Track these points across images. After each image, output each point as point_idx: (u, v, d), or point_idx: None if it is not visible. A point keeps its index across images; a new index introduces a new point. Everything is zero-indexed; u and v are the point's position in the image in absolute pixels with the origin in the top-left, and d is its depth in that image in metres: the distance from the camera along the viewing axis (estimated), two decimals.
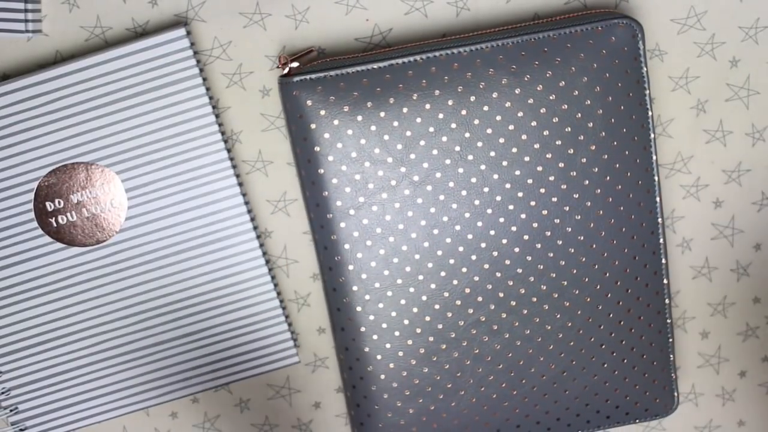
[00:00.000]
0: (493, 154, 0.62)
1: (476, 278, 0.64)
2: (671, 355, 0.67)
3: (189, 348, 0.67)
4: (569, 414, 0.67)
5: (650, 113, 0.63)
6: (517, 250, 0.63)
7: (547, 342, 0.65)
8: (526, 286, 0.64)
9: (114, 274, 0.65)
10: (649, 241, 0.65)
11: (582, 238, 0.64)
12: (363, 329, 0.64)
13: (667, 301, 0.66)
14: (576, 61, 0.62)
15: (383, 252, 0.63)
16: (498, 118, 0.62)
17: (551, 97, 0.62)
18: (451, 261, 0.63)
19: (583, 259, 0.64)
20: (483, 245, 0.63)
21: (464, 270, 0.63)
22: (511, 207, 0.63)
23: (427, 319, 0.64)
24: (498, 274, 0.64)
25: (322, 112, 0.61)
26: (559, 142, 0.62)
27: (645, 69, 0.63)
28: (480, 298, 0.64)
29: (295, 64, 0.62)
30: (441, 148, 0.62)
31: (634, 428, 0.72)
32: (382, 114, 0.61)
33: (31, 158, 0.64)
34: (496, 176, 0.62)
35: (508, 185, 0.63)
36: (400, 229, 0.63)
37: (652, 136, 0.64)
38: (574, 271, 0.64)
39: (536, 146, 0.62)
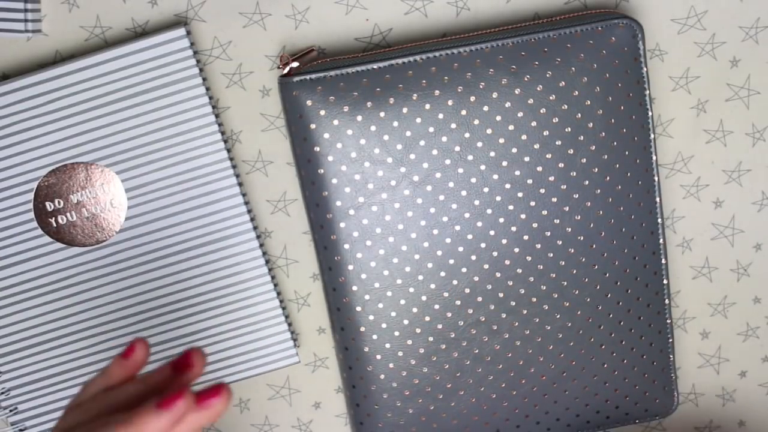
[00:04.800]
0: (492, 154, 0.62)
1: (476, 278, 0.64)
2: (671, 356, 0.67)
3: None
4: (569, 414, 0.67)
5: (650, 113, 0.63)
6: (516, 250, 0.63)
7: (547, 342, 0.65)
8: (525, 286, 0.64)
9: (114, 274, 0.65)
10: (649, 241, 0.65)
11: (582, 238, 0.64)
12: (363, 329, 0.64)
13: (667, 301, 0.66)
14: (576, 62, 0.61)
15: (383, 252, 0.63)
16: (498, 118, 0.62)
17: (551, 98, 0.62)
18: (451, 261, 0.63)
19: (583, 260, 0.64)
20: (483, 245, 0.63)
21: (464, 270, 0.63)
22: (510, 207, 0.63)
23: (427, 319, 0.64)
24: (498, 275, 0.64)
25: (322, 112, 0.61)
26: (559, 143, 0.62)
27: (645, 69, 0.62)
28: (480, 298, 0.64)
29: (295, 64, 0.62)
30: (441, 149, 0.62)
31: (634, 428, 0.72)
32: (382, 114, 0.61)
33: (31, 158, 0.64)
34: (495, 176, 0.62)
35: (508, 185, 0.63)
36: (400, 229, 0.63)
37: (652, 136, 0.64)
38: (574, 272, 0.64)
39: (536, 146, 0.62)
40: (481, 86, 0.61)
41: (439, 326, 0.64)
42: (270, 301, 0.66)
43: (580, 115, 0.62)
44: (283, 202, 0.67)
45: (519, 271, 0.64)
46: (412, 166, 0.62)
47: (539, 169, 0.62)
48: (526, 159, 0.62)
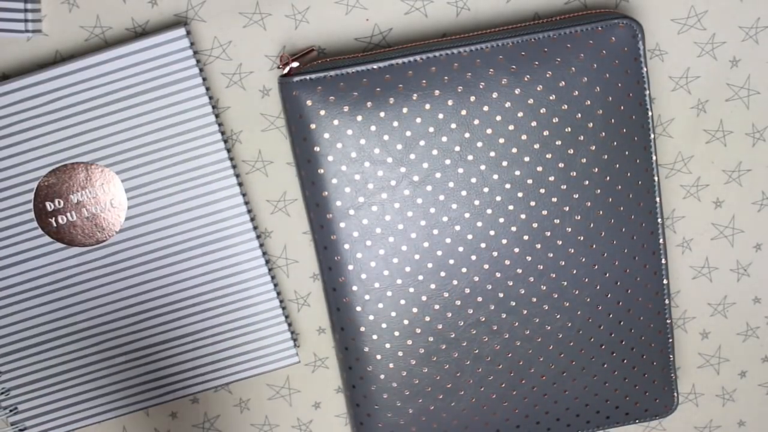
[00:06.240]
0: (493, 154, 0.62)
1: (476, 278, 0.64)
2: (671, 356, 0.67)
3: (189, 348, 0.67)
4: (569, 414, 0.67)
5: (650, 113, 0.63)
6: (516, 250, 0.63)
7: (547, 342, 0.65)
8: (525, 286, 0.64)
9: (114, 274, 0.65)
10: (649, 241, 0.65)
11: (582, 238, 0.64)
12: (363, 329, 0.64)
13: (667, 301, 0.66)
14: (576, 62, 0.61)
15: (383, 252, 0.63)
16: (498, 118, 0.62)
17: (551, 98, 0.62)
18: (451, 261, 0.63)
19: (583, 260, 0.64)
20: (483, 245, 0.63)
21: (464, 270, 0.63)
22: (510, 207, 0.63)
23: (427, 319, 0.64)
24: (498, 275, 0.64)
25: (322, 112, 0.61)
26: (559, 143, 0.62)
27: (645, 69, 0.62)
28: (480, 299, 0.64)
29: (295, 64, 0.62)
30: (441, 149, 0.62)
31: (634, 428, 0.72)
32: (382, 114, 0.61)
33: (31, 158, 0.64)
34: (496, 176, 0.62)
35: (508, 185, 0.63)
36: (400, 230, 0.63)
37: (652, 136, 0.64)
38: (574, 272, 0.64)
39: (536, 146, 0.62)
40: (481, 86, 0.61)
41: (439, 326, 0.64)
42: (270, 301, 0.66)
43: (580, 115, 0.62)
44: (283, 202, 0.67)
45: (519, 271, 0.64)
46: (412, 166, 0.62)
47: (539, 169, 0.62)
48: (526, 159, 0.62)
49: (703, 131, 0.67)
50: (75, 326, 0.66)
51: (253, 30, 0.65)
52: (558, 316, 0.65)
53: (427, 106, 0.61)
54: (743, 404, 0.72)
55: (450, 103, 0.61)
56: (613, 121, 0.63)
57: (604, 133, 0.63)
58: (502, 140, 0.62)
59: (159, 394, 0.67)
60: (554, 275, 0.64)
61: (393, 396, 0.65)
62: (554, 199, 0.63)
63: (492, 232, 0.63)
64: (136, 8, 0.64)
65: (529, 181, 0.63)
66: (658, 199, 0.65)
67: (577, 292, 0.64)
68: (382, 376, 0.65)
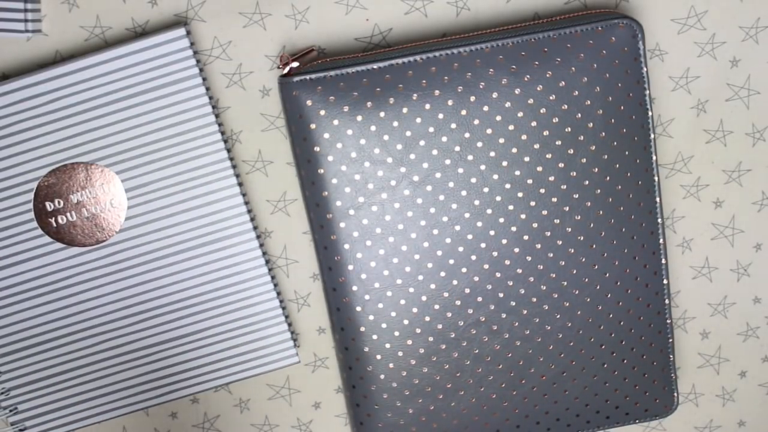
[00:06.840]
0: (493, 154, 0.62)
1: (476, 278, 0.64)
2: (671, 356, 0.67)
3: (189, 348, 0.67)
4: (569, 414, 0.67)
5: (650, 113, 0.63)
6: (516, 250, 0.63)
7: (547, 342, 0.65)
8: (525, 286, 0.64)
9: (114, 274, 0.65)
10: (649, 241, 0.65)
11: (582, 238, 0.64)
12: (363, 329, 0.64)
13: (667, 301, 0.66)
14: (576, 62, 0.61)
15: (383, 252, 0.63)
16: (498, 118, 0.62)
17: (551, 98, 0.62)
18: (451, 261, 0.63)
19: (583, 260, 0.64)
20: (483, 245, 0.63)
21: (464, 270, 0.63)
22: (510, 207, 0.63)
23: (427, 319, 0.64)
24: (498, 275, 0.64)
25: (322, 112, 0.61)
26: (559, 143, 0.62)
27: (645, 69, 0.62)
28: (480, 299, 0.64)
29: (295, 64, 0.62)
30: (441, 149, 0.62)
31: (634, 428, 0.72)
32: (382, 114, 0.61)
33: (31, 158, 0.64)
34: (496, 176, 0.62)
35: (508, 185, 0.63)
36: (400, 230, 0.63)
37: (652, 136, 0.64)
38: (574, 272, 0.64)
39: (536, 146, 0.62)
40: (481, 86, 0.61)
41: (439, 326, 0.64)
42: (270, 301, 0.66)
43: (580, 115, 0.62)
44: (283, 202, 0.67)
45: (519, 271, 0.64)
46: (412, 166, 0.62)
47: (539, 169, 0.62)
48: (526, 159, 0.62)
49: (703, 131, 0.67)
50: (75, 326, 0.66)
51: (253, 30, 0.65)
52: (558, 316, 0.65)
53: (427, 106, 0.61)
54: (743, 404, 0.72)
55: (450, 103, 0.61)
56: (613, 121, 0.63)
57: (604, 133, 0.63)
58: (502, 140, 0.62)
59: (159, 394, 0.67)
60: (554, 275, 0.64)
61: (393, 396, 0.65)
62: (554, 199, 0.63)
63: (492, 232, 0.63)
64: (136, 8, 0.64)
65: (529, 181, 0.63)
66: (658, 199, 0.65)
67: (577, 292, 0.64)
68: (382, 376, 0.65)
